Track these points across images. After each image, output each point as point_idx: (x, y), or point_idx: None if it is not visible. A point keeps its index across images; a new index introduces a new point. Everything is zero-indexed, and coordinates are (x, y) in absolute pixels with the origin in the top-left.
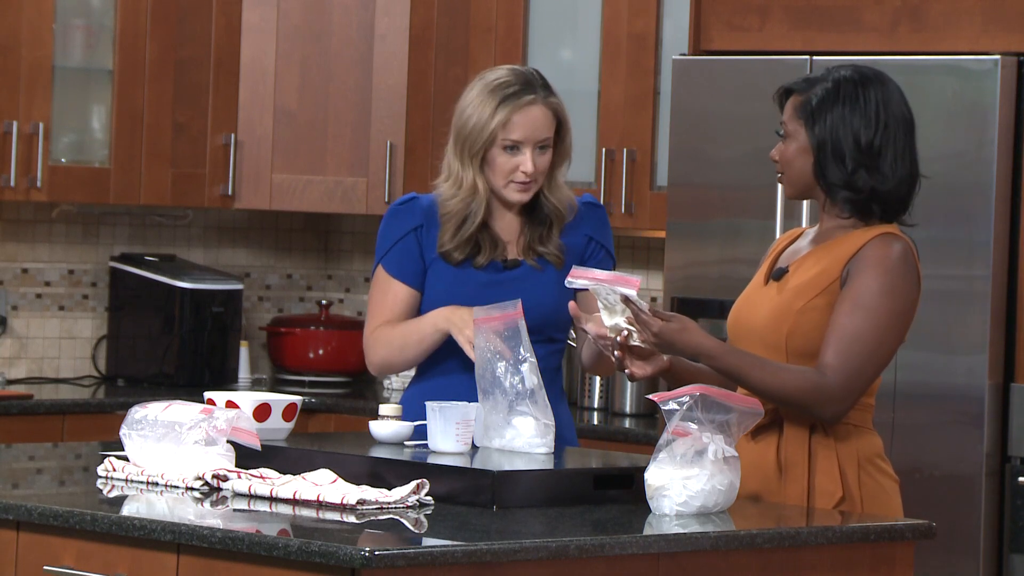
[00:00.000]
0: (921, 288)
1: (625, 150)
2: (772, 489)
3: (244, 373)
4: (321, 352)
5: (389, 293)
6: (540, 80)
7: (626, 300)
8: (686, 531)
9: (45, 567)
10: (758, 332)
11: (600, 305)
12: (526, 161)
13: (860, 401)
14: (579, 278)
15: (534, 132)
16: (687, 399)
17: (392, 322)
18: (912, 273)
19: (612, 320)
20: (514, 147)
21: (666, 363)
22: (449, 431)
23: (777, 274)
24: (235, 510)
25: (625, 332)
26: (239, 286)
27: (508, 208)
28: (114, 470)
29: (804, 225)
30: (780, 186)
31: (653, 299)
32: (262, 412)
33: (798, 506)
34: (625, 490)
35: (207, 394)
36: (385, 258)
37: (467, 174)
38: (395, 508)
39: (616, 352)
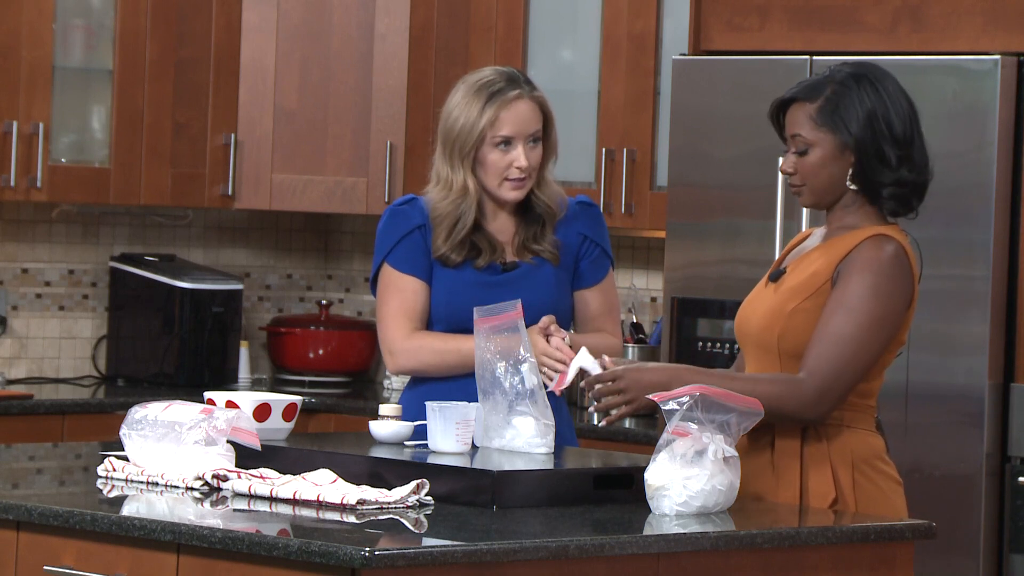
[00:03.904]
0: (917, 288)
1: (625, 150)
2: (766, 491)
3: (244, 373)
4: (321, 352)
5: (406, 290)
6: (523, 77)
7: (581, 373)
8: (686, 531)
9: (45, 567)
10: (754, 334)
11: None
12: (519, 156)
13: (855, 402)
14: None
15: (524, 126)
16: (687, 399)
17: (418, 322)
18: (903, 275)
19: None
20: (506, 143)
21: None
22: (449, 431)
23: (775, 275)
24: (235, 510)
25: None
26: (239, 286)
27: (501, 208)
28: (114, 470)
29: (805, 225)
30: (797, 196)
31: (653, 299)
32: (262, 412)
33: (798, 506)
34: (625, 490)
35: (207, 394)
36: (391, 255)
37: (457, 176)
38: (395, 508)
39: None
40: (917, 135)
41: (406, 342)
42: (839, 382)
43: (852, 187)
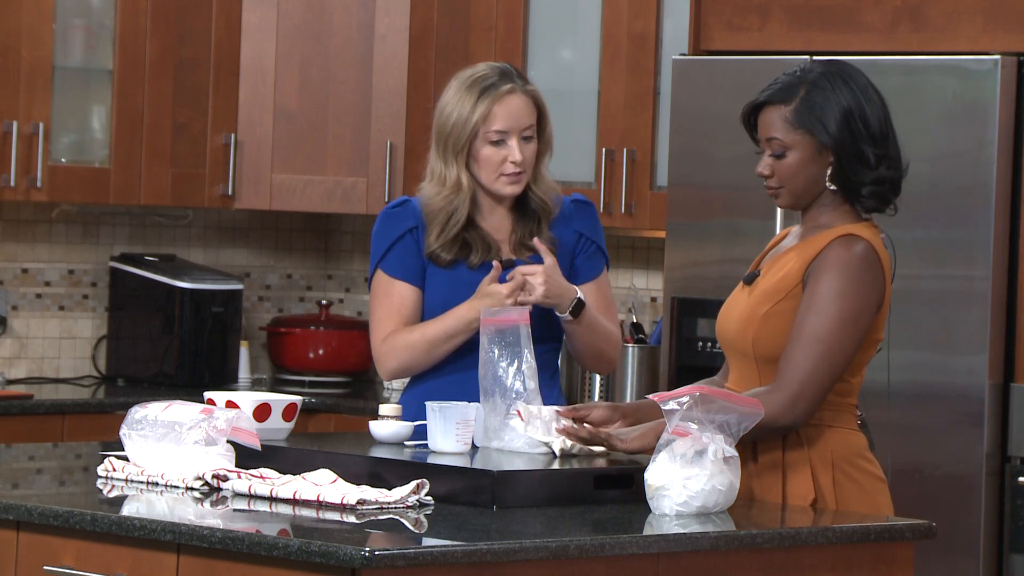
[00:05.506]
0: (890, 286)
1: (625, 150)
2: (748, 493)
3: (244, 373)
4: (321, 352)
5: (394, 295)
6: (516, 72)
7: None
8: (686, 531)
9: (45, 567)
10: (730, 339)
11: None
12: (513, 151)
13: (835, 401)
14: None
15: (517, 121)
16: (687, 399)
17: (405, 326)
18: (872, 273)
19: (548, 438)
20: (499, 139)
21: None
22: (449, 431)
23: (749, 278)
24: (235, 510)
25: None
26: (239, 286)
27: (498, 203)
28: (114, 470)
29: None
30: (774, 199)
31: (653, 299)
32: (262, 412)
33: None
34: (625, 490)
35: (207, 394)
36: (384, 260)
37: (451, 171)
38: (395, 508)
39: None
40: (891, 131)
41: (383, 345)
42: (812, 386)
43: (831, 187)
